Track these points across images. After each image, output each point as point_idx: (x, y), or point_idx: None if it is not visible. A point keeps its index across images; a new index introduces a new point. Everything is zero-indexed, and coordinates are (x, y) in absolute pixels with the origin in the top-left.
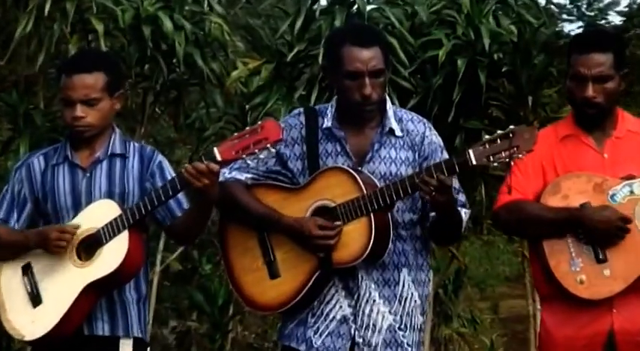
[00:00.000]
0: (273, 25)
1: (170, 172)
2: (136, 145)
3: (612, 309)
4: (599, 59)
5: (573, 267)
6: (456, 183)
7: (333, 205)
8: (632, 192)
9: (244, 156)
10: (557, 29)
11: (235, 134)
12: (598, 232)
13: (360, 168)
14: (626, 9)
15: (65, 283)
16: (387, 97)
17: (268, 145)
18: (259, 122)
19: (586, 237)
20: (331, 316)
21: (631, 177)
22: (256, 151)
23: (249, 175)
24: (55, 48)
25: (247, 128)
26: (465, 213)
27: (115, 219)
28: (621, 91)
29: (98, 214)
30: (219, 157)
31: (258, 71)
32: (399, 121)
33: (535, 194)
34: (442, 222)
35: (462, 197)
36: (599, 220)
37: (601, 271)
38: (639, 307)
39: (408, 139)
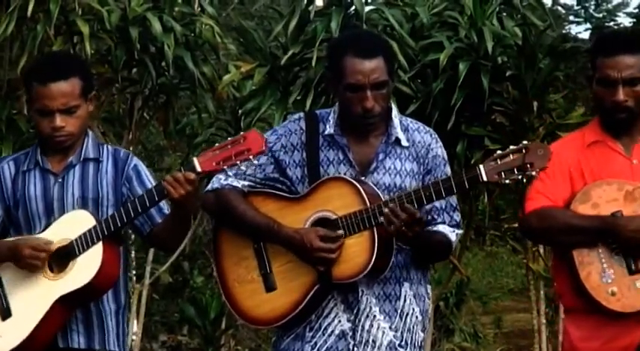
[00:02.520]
0: (266, 27)
1: (147, 175)
2: (110, 148)
3: None
4: (628, 61)
5: (604, 278)
6: (453, 200)
7: (335, 217)
8: None
9: (225, 167)
10: (563, 32)
11: (217, 145)
12: (633, 242)
13: (363, 178)
14: (636, 10)
15: (36, 296)
16: (393, 106)
17: (250, 157)
18: (242, 133)
19: (619, 247)
20: (329, 331)
21: None
22: (238, 162)
23: (245, 183)
24: (39, 51)
25: (229, 139)
26: (456, 234)
27: (89, 230)
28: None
29: (72, 224)
30: (198, 168)
31: (251, 75)
32: (405, 130)
33: (564, 201)
34: (419, 252)
35: (456, 216)
36: (634, 228)
37: (633, 283)
38: None
39: (414, 150)
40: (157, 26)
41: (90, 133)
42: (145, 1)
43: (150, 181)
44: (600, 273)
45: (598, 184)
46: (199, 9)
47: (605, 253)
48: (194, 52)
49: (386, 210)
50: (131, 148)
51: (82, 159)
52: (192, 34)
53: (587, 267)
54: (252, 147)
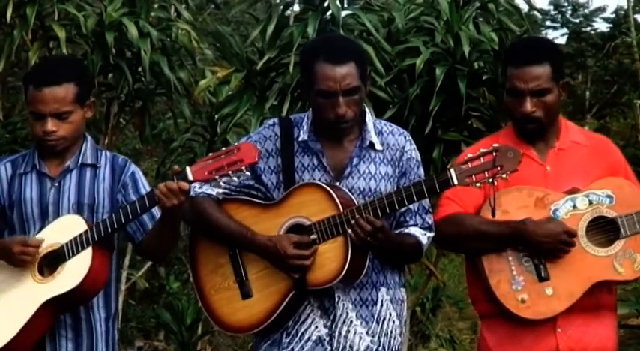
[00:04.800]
0: (243, 32)
1: (143, 183)
2: (109, 154)
3: (556, 328)
4: (535, 72)
5: (514, 285)
6: (426, 203)
7: (308, 223)
8: (574, 207)
9: (217, 177)
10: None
11: (210, 154)
12: (542, 246)
13: (338, 183)
14: (613, 15)
15: (23, 298)
16: (367, 109)
17: (243, 168)
18: (236, 143)
19: (529, 252)
20: (306, 337)
21: (575, 191)
22: (230, 173)
23: (220, 191)
24: (15, 56)
25: (223, 149)
26: (427, 237)
27: (80, 235)
28: (562, 101)
29: (64, 228)
30: (191, 177)
31: (228, 80)
32: (379, 133)
33: (476, 208)
34: (389, 254)
35: (428, 219)
36: (543, 234)
37: (543, 290)
38: (584, 326)
39: (388, 153)
40: (133, 31)
41: (89, 138)
42: (121, 7)
43: (145, 189)
44: (510, 280)
45: (508, 190)
46: (175, 14)
47: (514, 260)
48: (170, 57)
49: (352, 222)
50: None
51: (79, 164)
52: (169, 39)
53: (498, 274)
54: (245, 158)
